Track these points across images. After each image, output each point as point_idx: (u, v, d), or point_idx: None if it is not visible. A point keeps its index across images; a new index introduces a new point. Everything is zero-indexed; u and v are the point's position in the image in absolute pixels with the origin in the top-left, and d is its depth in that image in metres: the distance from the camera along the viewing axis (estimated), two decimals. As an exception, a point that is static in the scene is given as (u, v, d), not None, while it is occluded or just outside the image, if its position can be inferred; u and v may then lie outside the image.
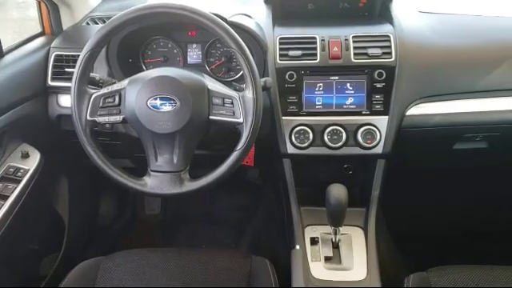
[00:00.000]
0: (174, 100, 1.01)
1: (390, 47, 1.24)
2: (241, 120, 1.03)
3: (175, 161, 1.04)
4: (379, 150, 1.25)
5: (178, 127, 1.01)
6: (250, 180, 2.00)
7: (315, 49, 1.25)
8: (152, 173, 1.05)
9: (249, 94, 1.03)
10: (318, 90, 1.26)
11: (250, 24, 1.29)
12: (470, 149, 1.38)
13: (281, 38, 1.27)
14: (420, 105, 1.26)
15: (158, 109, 1.01)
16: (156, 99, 1.01)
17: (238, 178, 1.91)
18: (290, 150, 1.27)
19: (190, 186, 1.04)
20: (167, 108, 1.01)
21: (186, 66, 1.39)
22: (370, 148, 1.25)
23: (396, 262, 1.55)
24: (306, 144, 1.26)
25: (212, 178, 1.04)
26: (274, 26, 1.33)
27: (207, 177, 1.05)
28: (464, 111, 1.26)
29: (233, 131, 1.07)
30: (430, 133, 1.28)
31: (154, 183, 1.04)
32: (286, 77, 1.25)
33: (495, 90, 1.26)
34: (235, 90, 1.09)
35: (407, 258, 1.60)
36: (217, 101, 1.04)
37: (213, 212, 2.02)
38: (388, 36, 1.25)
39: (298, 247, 1.23)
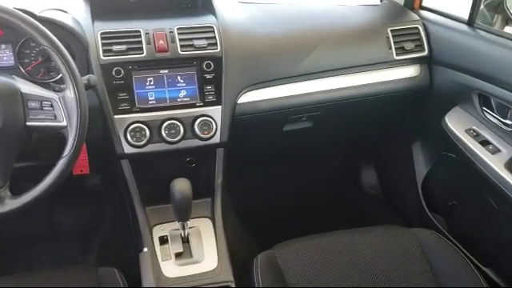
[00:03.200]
0: None
1: (214, 38, 1.26)
2: (64, 123, 0.95)
3: None
4: (217, 139, 1.27)
5: None
6: (92, 188, 1.86)
7: (140, 42, 1.21)
8: None
9: (70, 94, 0.95)
10: (150, 85, 1.22)
11: (64, 19, 1.18)
12: (298, 129, 1.49)
13: (102, 33, 1.21)
14: (248, 93, 1.31)
15: None
16: None
17: (78, 188, 1.78)
18: (127, 149, 1.22)
19: (12, 203, 0.93)
20: None
21: None
22: (207, 139, 1.26)
23: (246, 245, 1.61)
24: (143, 142, 1.21)
25: (37, 191, 0.94)
26: (93, 20, 1.25)
27: (32, 191, 0.94)
28: (288, 95, 1.35)
29: (59, 137, 0.98)
30: (260, 118, 1.35)
31: None
32: (113, 73, 1.19)
33: (312, 72, 1.37)
34: (54, 90, 0.99)
35: (257, 240, 1.68)
36: (33, 104, 0.94)
37: (54, 228, 1.84)
38: (212, 27, 1.27)
39: (145, 250, 1.20)
